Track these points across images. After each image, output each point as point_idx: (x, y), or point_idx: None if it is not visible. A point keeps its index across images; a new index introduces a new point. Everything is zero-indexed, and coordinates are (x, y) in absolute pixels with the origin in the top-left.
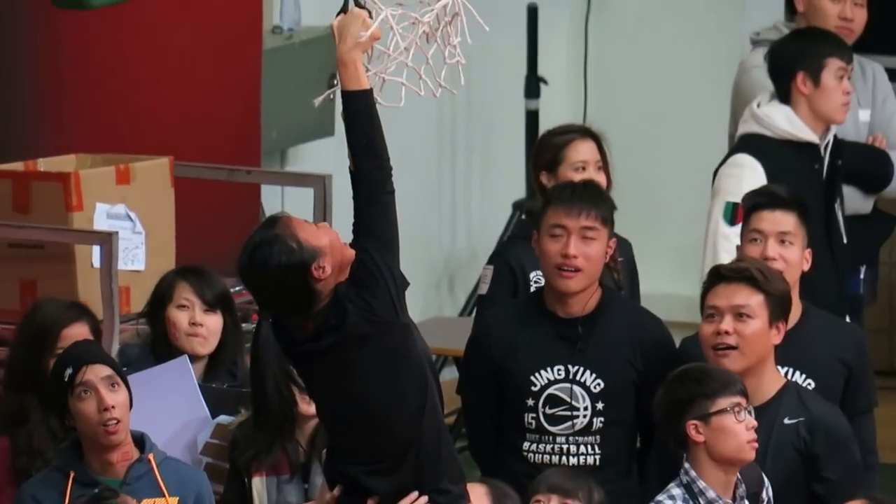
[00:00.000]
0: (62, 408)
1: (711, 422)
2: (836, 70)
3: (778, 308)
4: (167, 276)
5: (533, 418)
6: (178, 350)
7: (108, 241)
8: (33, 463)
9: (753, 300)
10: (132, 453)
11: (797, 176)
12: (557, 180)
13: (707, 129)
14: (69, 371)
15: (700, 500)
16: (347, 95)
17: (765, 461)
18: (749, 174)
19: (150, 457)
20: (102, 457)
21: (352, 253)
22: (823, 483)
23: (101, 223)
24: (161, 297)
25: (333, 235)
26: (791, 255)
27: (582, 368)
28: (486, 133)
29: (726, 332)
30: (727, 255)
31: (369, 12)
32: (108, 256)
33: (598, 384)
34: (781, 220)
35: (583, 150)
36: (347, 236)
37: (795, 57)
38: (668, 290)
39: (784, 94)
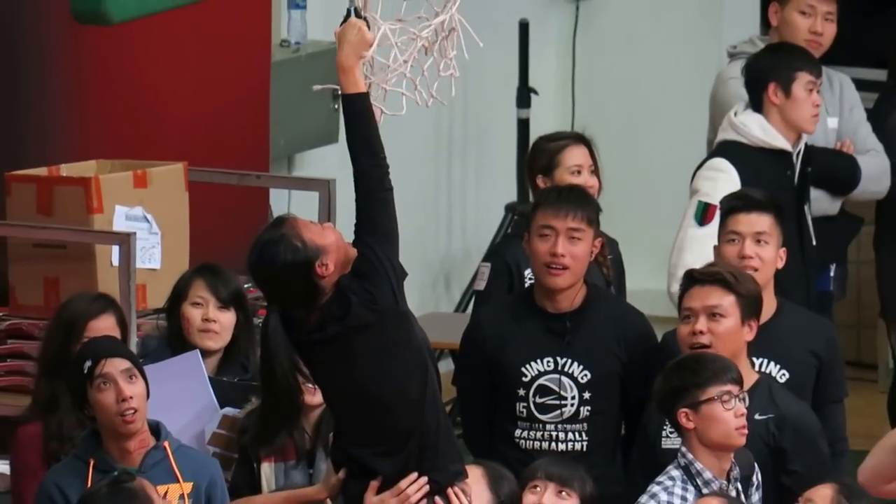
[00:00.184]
0: (82, 399)
1: (701, 409)
2: (806, 83)
3: (749, 308)
4: (185, 275)
5: (524, 407)
6: (191, 345)
7: (126, 241)
8: (63, 448)
9: (726, 301)
10: (148, 441)
11: (770, 181)
12: (553, 183)
13: (687, 137)
14: (88, 364)
15: (697, 480)
16: (346, 98)
17: (736, 453)
18: (724, 178)
19: (166, 444)
20: (120, 445)
21: (354, 251)
22: (791, 475)
23: (119, 224)
24: (178, 294)
25: (337, 235)
26: (766, 254)
27: (570, 360)
28: (481, 140)
29: (701, 332)
30: (690, 253)
31: (367, 21)
32: (127, 256)
33: (585, 375)
34: (757, 222)
35: (577, 155)
36: (350, 237)
37: (768, 69)
38: (650, 286)
39: (757, 104)
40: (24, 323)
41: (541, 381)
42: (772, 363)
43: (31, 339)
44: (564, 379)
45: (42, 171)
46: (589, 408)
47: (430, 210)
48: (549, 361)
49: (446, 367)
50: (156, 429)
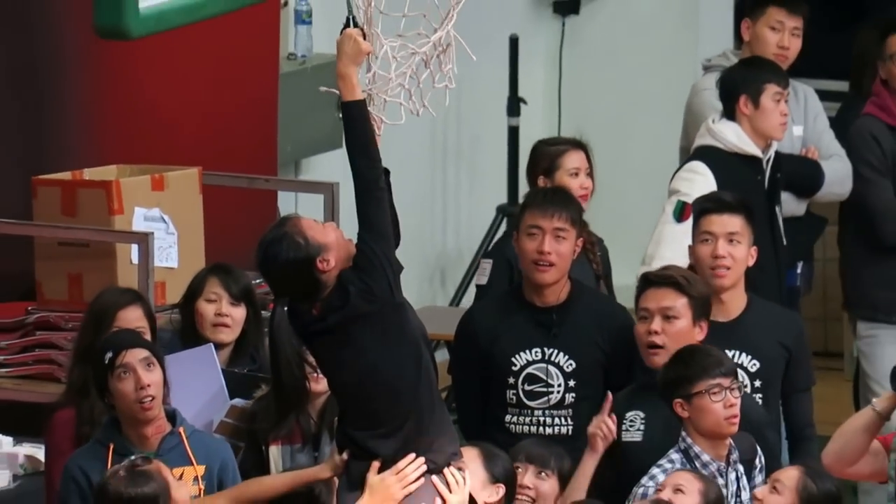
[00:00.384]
0: (103, 388)
1: (692, 401)
2: (773, 94)
3: (700, 309)
4: (200, 273)
5: (514, 394)
6: (203, 339)
7: (144, 240)
8: (94, 431)
9: (679, 302)
10: (164, 427)
11: (743, 184)
12: (554, 183)
13: (664, 143)
14: (109, 354)
15: (696, 462)
16: (344, 105)
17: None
18: (701, 180)
19: (181, 430)
20: (138, 430)
21: (353, 246)
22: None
23: (138, 225)
24: (193, 291)
25: (337, 233)
26: (738, 253)
27: (556, 350)
28: (473, 146)
29: (656, 332)
30: (667, 247)
31: (363, 31)
32: (145, 254)
33: (570, 364)
34: (729, 222)
35: (575, 159)
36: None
37: (739, 83)
38: (630, 281)
39: (730, 114)
40: (50, 315)
41: (529, 369)
42: (743, 354)
43: (57, 330)
44: (551, 368)
45: (66, 176)
46: (574, 395)
47: (426, 211)
48: (536, 352)
49: (442, 357)
50: (171, 415)
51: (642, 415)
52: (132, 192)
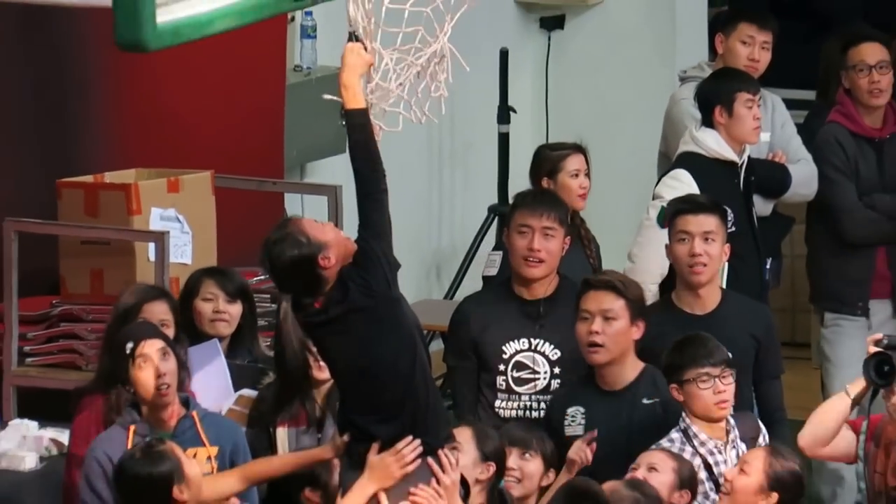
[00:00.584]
0: (124, 375)
1: (683, 387)
2: (745, 101)
3: (636, 310)
4: (195, 274)
5: (503, 380)
6: (202, 334)
7: (161, 239)
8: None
9: (617, 304)
10: (179, 411)
11: (722, 187)
12: (557, 185)
13: (643, 149)
14: (130, 345)
15: (694, 441)
16: (348, 112)
17: (630, 433)
18: (685, 188)
19: (194, 414)
20: (156, 415)
21: (353, 244)
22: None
23: (155, 224)
24: (189, 291)
25: (336, 232)
26: (714, 251)
27: (542, 340)
28: (466, 151)
29: (596, 332)
30: (651, 248)
31: (364, 44)
32: (162, 252)
33: (556, 353)
34: (704, 222)
35: (576, 161)
36: (354, 235)
37: (713, 94)
38: None
39: (708, 123)
40: (74, 308)
41: (517, 357)
42: None
43: (79, 322)
44: (538, 356)
45: (88, 179)
46: (559, 381)
47: (423, 211)
48: (524, 341)
49: (437, 346)
50: (185, 401)
51: (583, 410)
52: (149, 193)
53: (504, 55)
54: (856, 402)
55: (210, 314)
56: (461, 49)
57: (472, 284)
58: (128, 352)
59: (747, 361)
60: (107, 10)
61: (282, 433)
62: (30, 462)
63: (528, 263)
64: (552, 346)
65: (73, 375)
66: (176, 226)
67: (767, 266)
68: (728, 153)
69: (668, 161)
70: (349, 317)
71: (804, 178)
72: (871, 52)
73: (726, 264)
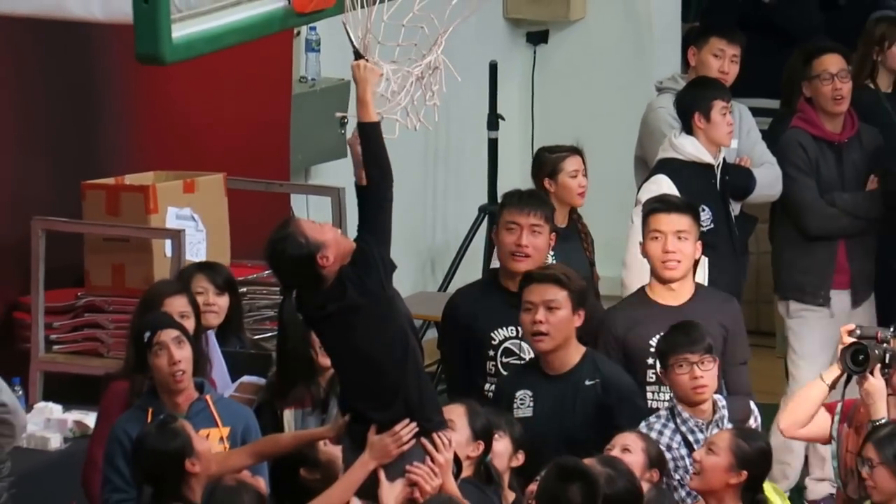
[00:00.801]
0: (143, 362)
1: (667, 371)
2: (720, 108)
3: (577, 300)
4: (187, 269)
5: (493, 365)
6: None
7: (177, 236)
8: None
9: (560, 295)
10: (194, 395)
11: (700, 188)
12: (558, 185)
13: (622, 154)
14: (148, 334)
15: (678, 419)
16: (362, 126)
17: (574, 414)
18: (665, 191)
19: (207, 397)
20: (172, 398)
21: (351, 244)
22: (616, 429)
23: (172, 223)
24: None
25: (335, 232)
26: (686, 248)
27: None
28: (459, 155)
29: (540, 322)
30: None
31: (364, 58)
32: (178, 248)
33: None
34: (677, 221)
35: (575, 162)
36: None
37: (693, 101)
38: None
39: (688, 128)
40: (96, 300)
41: (506, 344)
42: None
43: (102, 313)
44: (524, 343)
45: (110, 181)
46: None
47: (419, 210)
48: (512, 329)
49: (432, 334)
50: (200, 385)
51: (531, 393)
52: (166, 194)
53: (493, 67)
54: (831, 387)
55: (201, 306)
56: (453, 61)
57: (463, 278)
58: (145, 340)
59: (717, 347)
60: (128, 26)
61: (288, 415)
62: (54, 443)
63: (515, 258)
64: None
65: (95, 362)
66: (191, 224)
67: None
68: (705, 156)
69: (644, 164)
70: (346, 314)
71: (769, 180)
72: (834, 62)
73: (706, 259)
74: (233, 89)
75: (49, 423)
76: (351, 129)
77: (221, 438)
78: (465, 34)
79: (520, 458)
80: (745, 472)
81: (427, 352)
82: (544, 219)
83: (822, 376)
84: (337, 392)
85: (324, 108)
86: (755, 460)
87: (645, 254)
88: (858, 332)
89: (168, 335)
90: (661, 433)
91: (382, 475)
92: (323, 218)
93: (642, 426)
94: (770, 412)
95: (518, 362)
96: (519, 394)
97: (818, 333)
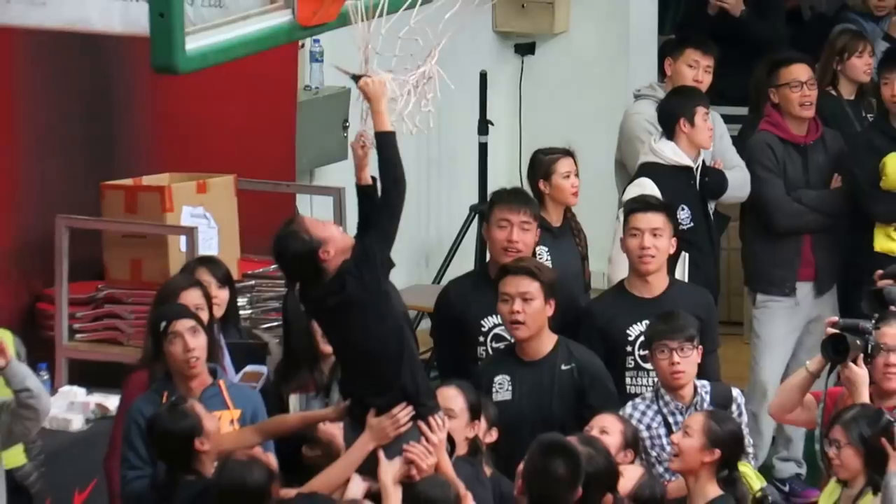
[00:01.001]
0: (160, 350)
1: (651, 357)
2: (703, 114)
3: (549, 291)
4: (190, 263)
5: (483, 350)
6: None
7: (191, 233)
8: None
9: (533, 287)
10: (207, 380)
11: (680, 190)
12: (552, 186)
13: (602, 157)
14: (164, 324)
15: (661, 401)
16: (378, 135)
17: (552, 396)
18: (648, 192)
19: (220, 382)
20: (186, 383)
21: (350, 240)
22: (587, 409)
23: (186, 220)
24: None
25: (336, 229)
26: (661, 244)
27: None
28: (452, 158)
29: (517, 311)
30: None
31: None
32: (191, 244)
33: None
34: (653, 219)
35: (567, 164)
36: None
37: (678, 107)
38: None
39: (671, 134)
40: (116, 292)
41: (495, 331)
42: None
43: (121, 304)
44: None
45: (128, 181)
46: None
47: (414, 209)
48: (500, 317)
49: (426, 324)
50: (213, 371)
51: (509, 377)
52: (181, 194)
53: (483, 76)
54: (814, 376)
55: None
56: (447, 71)
57: (456, 272)
58: (161, 329)
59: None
60: (145, 39)
61: (293, 399)
62: (76, 424)
63: (506, 253)
64: None
65: (115, 349)
66: (204, 221)
67: None
68: (683, 160)
69: (623, 167)
70: (345, 307)
71: (739, 182)
72: (802, 70)
73: (686, 256)
74: (242, 97)
75: (72, 406)
76: (353, 132)
77: (232, 420)
78: (458, 46)
79: (493, 435)
80: (717, 451)
81: (421, 341)
82: (532, 216)
83: (807, 366)
84: (338, 378)
85: (326, 114)
86: (726, 440)
87: (624, 249)
88: (842, 323)
89: (183, 325)
90: (644, 413)
91: (381, 454)
92: (325, 216)
93: (628, 406)
94: None
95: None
96: (497, 378)
97: (783, 322)
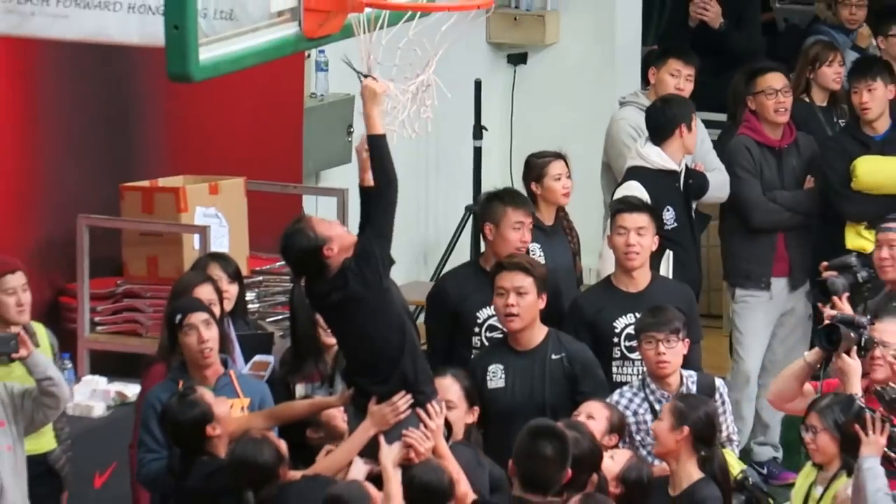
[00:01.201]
0: (175, 342)
1: (639, 346)
2: (696, 120)
3: (541, 285)
4: (202, 259)
5: (478, 340)
6: None
7: (204, 232)
8: None
9: (527, 281)
10: (219, 370)
11: (666, 192)
12: (544, 187)
13: (589, 160)
14: (179, 317)
15: (647, 389)
16: (370, 138)
17: (544, 385)
18: (636, 194)
19: (231, 373)
20: (200, 373)
21: (353, 238)
22: (580, 395)
23: (199, 220)
24: None
25: (341, 228)
26: (645, 242)
27: None
28: (448, 161)
29: (511, 305)
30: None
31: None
32: (204, 242)
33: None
34: (637, 219)
35: (558, 166)
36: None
37: (678, 115)
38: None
39: (664, 139)
40: (134, 287)
41: (490, 321)
42: None
43: (139, 298)
44: None
45: (145, 183)
46: None
47: (413, 209)
48: (495, 309)
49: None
50: (225, 362)
51: (502, 367)
52: (195, 195)
53: (478, 85)
54: (811, 366)
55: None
56: (443, 80)
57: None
58: (177, 322)
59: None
60: (161, 49)
61: (300, 388)
62: (98, 411)
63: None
64: None
65: (134, 341)
66: (216, 221)
67: None
68: (669, 164)
69: (609, 169)
70: (347, 302)
71: (718, 184)
72: (777, 79)
73: (671, 253)
74: (252, 104)
75: (94, 394)
76: (357, 137)
77: (242, 408)
78: (453, 56)
79: (474, 414)
80: (686, 428)
81: (420, 333)
82: (530, 216)
83: (805, 356)
84: (341, 368)
85: (331, 120)
86: (693, 417)
87: (611, 246)
88: (839, 316)
89: (197, 318)
90: (631, 400)
91: (382, 439)
92: (329, 216)
93: (616, 393)
94: None
95: (500, 336)
96: (491, 367)
97: (759, 315)
